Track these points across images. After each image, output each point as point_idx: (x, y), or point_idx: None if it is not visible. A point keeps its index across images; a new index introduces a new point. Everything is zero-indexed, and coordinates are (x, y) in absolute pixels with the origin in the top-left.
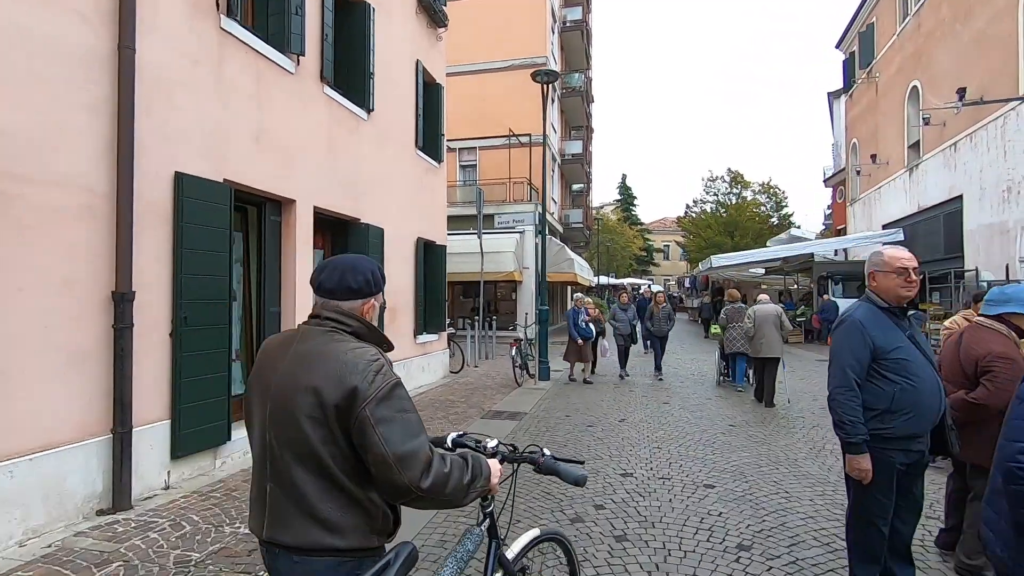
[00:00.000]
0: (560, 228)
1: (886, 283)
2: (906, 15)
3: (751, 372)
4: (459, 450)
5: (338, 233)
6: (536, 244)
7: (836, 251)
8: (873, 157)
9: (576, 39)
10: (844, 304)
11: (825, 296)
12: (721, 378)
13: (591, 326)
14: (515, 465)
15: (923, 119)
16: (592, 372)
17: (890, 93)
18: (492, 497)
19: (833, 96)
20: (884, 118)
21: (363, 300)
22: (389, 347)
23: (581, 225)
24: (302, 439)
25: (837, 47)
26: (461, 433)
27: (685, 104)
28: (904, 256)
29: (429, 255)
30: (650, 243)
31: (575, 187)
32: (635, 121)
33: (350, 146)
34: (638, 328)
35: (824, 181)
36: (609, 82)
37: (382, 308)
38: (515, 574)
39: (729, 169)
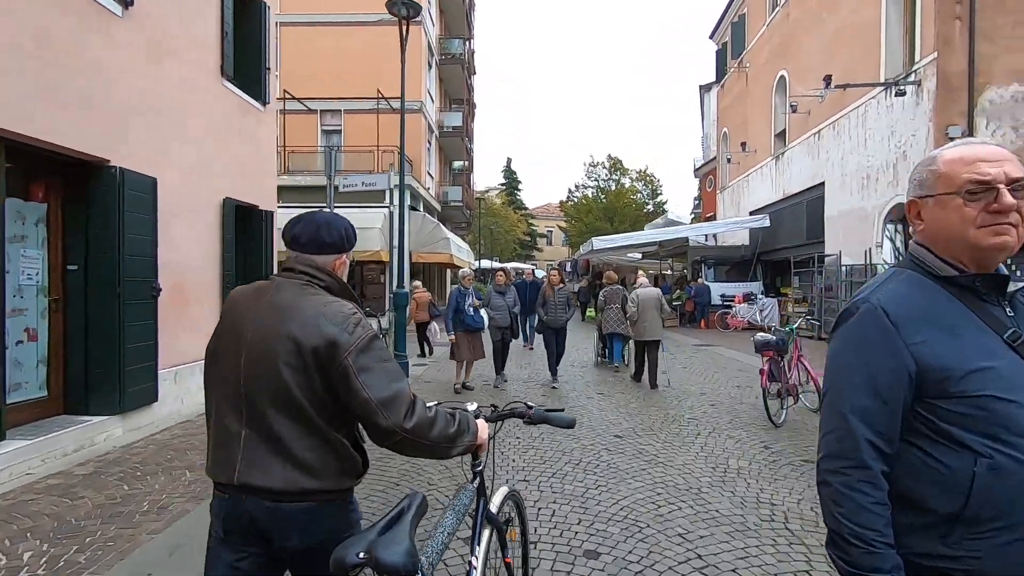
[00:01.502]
0: (438, 206)
1: (948, 221)
2: (775, 5)
3: (627, 352)
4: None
5: (74, 182)
6: (387, 213)
7: (707, 236)
8: (743, 145)
9: (456, 1)
10: (719, 288)
11: (699, 279)
12: (599, 359)
13: (482, 314)
14: (496, 424)
15: (790, 107)
16: (496, 374)
17: (759, 82)
18: (481, 456)
19: (704, 89)
20: (753, 107)
21: (336, 256)
22: (359, 304)
23: (461, 204)
24: (280, 385)
25: (711, 38)
26: (435, 403)
27: (571, 91)
28: (986, 155)
29: (246, 224)
30: (534, 228)
31: (456, 165)
32: (521, 107)
33: (90, 49)
34: (532, 319)
35: (694, 171)
36: (495, 66)
37: (352, 265)
38: (502, 526)
39: (610, 156)
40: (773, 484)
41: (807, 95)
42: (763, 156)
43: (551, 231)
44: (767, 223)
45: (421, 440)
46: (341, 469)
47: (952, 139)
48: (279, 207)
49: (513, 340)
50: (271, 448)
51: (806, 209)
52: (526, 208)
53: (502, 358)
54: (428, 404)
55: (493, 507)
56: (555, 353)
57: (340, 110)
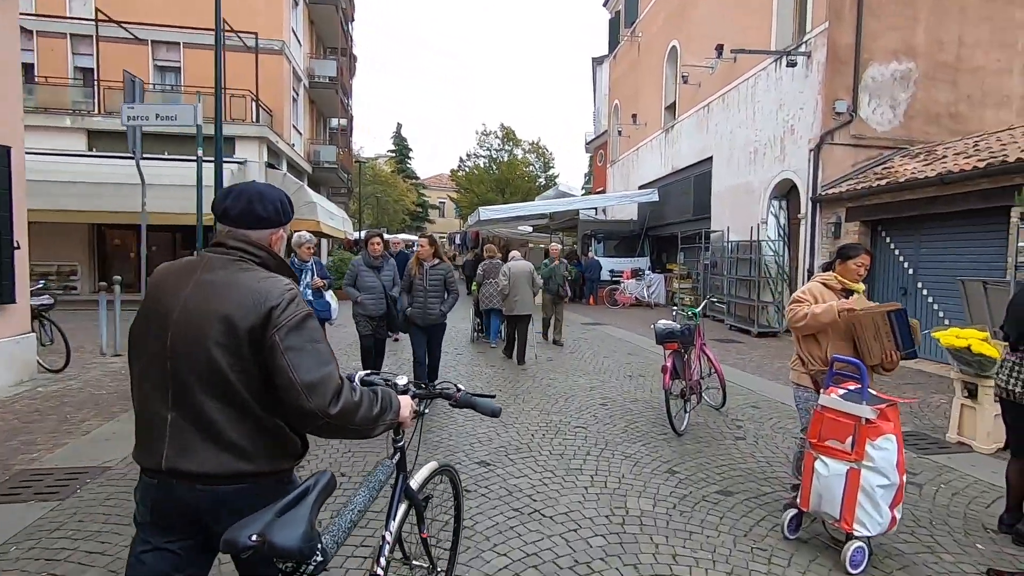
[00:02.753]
0: (308, 167)
1: None
2: None
3: (504, 329)
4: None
5: None
6: (236, 168)
7: (597, 210)
8: (634, 117)
9: None
10: (608, 264)
11: (588, 254)
12: (476, 335)
13: (328, 299)
14: (424, 402)
15: (681, 77)
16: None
17: (651, 53)
18: (403, 432)
19: (597, 62)
20: (645, 79)
21: (271, 230)
22: (298, 281)
23: (335, 166)
24: (212, 367)
25: (604, 5)
26: (369, 372)
27: (467, 58)
28: None
29: None
30: (425, 199)
31: (333, 123)
32: (413, 72)
33: None
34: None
35: (585, 146)
36: (382, 23)
37: (289, 240)
38: (420, 503)
39: (502, 125)
40: (689, 541)
41: (698, 65)
42: (653, 129)
43: (444, 203)
44: (656, 197)
45: (345, 424)
46: (278, 452)
47: (839, 114)
48: (93, 155)
49: (392, 336)
50: (201, 432)
51: (694, 184)
52: (417, 177)
53: (374, 364)
54: (357, 374)
55: (415, 483)
56: (422, 360)
57: (179, 43)
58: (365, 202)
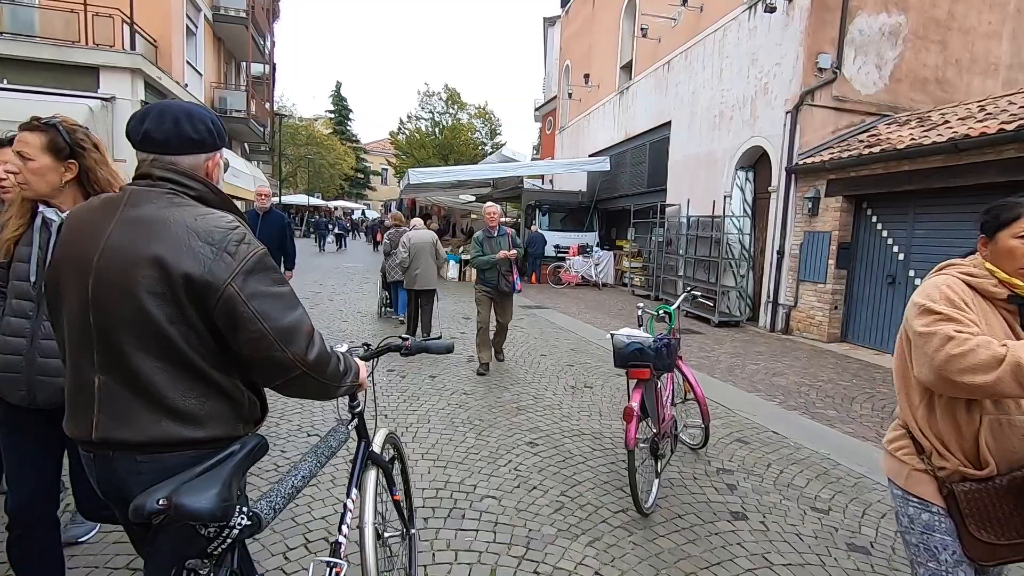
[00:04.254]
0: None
1: None
2: None
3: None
4: None
5: None
6: (100, 105)
7: (543, 179)
8: (586, 78)
9: None
10: (553, 238)
11: (532, 227)
12: (384, 309)
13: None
14: (373, 362)
15: (640, 30)
16: None
17: (607, 5)
18: (358, 397)
19: (549, 23)
20: (599, 36)
21: (207, 155)
22: (241, 215)
23: (244, 116)
24: (144, 320)
25: None
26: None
27: (412, 14)
28: None
29: None
30: (367, 164)
31: (255, 71)
32: (354, 28)
33: None
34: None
35: (534, 112)
36: None
37: (226, 167)
38: (387, 465)
39: (447, 86)
40: None
41: (659, 16)
42: (606, 91)
43: (387, 169)
44: (607, 166)
45: (318, 377)
46: (230, 414)
47: (822, 70)
48: None
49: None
50: (137, 395)
51: (649, 152)
52: (357, 141)
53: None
54: None
55: (376, 447)
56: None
57: None
58: (297, 164)
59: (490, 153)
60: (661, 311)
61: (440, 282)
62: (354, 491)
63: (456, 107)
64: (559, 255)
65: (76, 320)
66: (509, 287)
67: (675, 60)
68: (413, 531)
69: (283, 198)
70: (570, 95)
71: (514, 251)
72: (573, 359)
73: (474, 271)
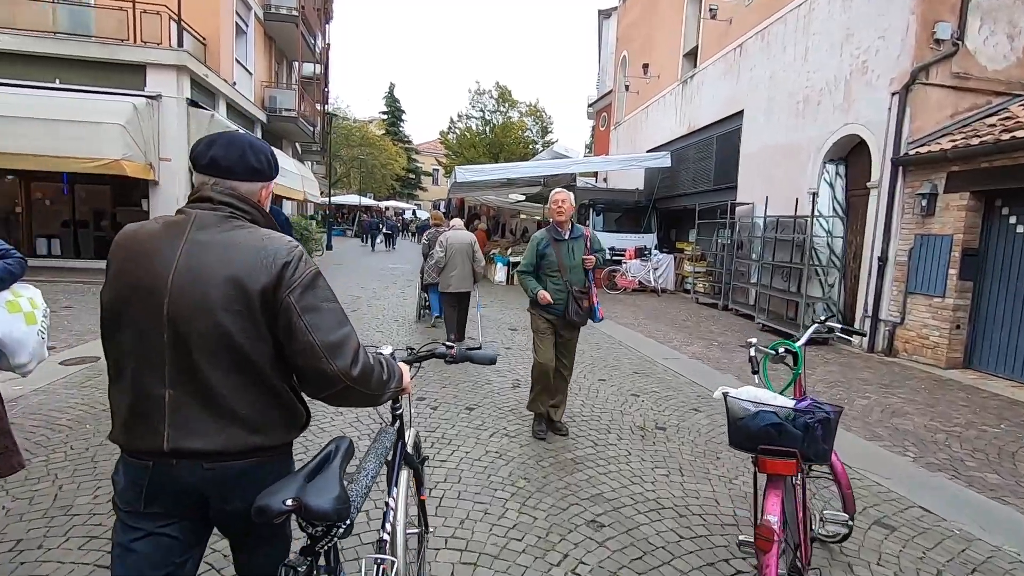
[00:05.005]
0: (261, 115)
1: None
2: None
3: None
4: None
5: None
6: (142, 104)
7: (596, 177)
8: (645, 68)
9: None
10: (608, 240)
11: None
12: (422, 312)
13: None
14: (416, 366)
15: (709, 11)
16: None
17: None
18: (400, 399)
19: (604, 15)
20: (660, 22)
21: (263, 184)
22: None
23: (294, 115)
24: (220, 335)
25: None
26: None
27: (462, 15)
28: None
29: None
30: (418, 165)
31: (306, 71)
32: (409, 31)
33: None
34: None
35: (587, 108)
36: None
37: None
38: (418, 467)
39: (498, 84)
40: None
41: None
42: (668, 82)
43: (437, 170)
44: (668, 162)
45: (363, 388)
46: (287, 422)
47: (939, 42)
48: None
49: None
50: (207, 406)
51: (716, 146)
52: (409, 141)
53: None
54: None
55: (408, 449)
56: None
57: None
58: (350, 164)
59: (542, 151)
60: (781, 348)
61: (487, 286)
62: (394, 490)
63: (507, 105)
64: (614, 258)
65: (146, 337)
66: (583, 316)
67: (749, 42)
68: (429, 532)
69: (335, 198)
70: (627, 88)
71: (592, 257)
72: (637, 385)
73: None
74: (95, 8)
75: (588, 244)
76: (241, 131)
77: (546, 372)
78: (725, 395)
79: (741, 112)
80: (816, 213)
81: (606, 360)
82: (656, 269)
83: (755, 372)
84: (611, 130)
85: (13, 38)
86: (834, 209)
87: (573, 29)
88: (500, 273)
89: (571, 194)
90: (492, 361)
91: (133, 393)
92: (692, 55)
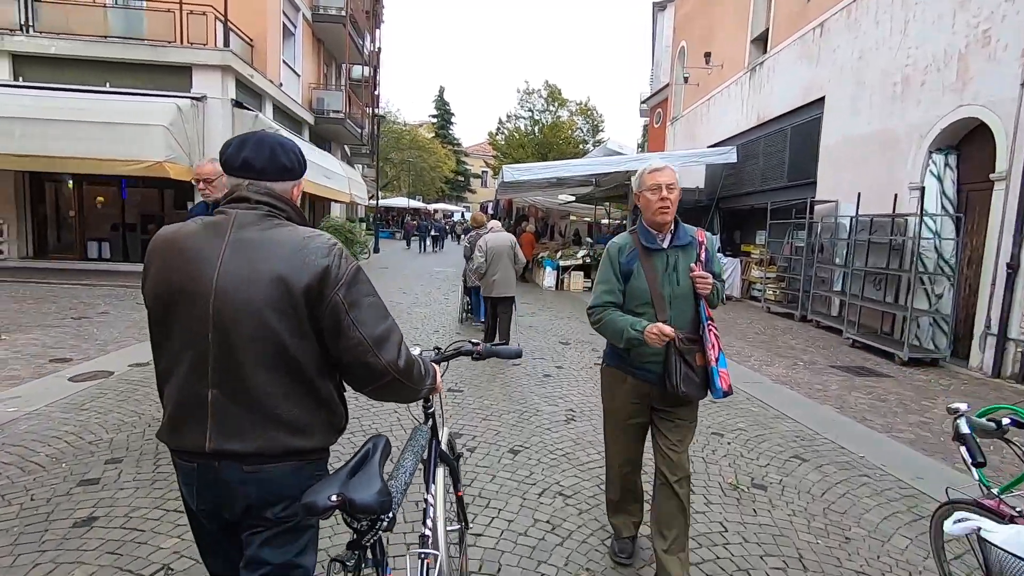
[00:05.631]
0: (309, 117)
1: None
2: None
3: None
4: None
5: None
6: (187, 105)
7: None
8: (707, 56)
9: None
10: None
11: None
12: (465, 315)
13: None
14: (444, 365)
15: None
16: None
17: None
18: (432, 398)
19: (659, 8)
20: (723, 8)
21: (294, 182)
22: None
23: (341, 116)
24: (267, 335)
25: None
26: None
27: (512, 15)
28: None
29: None
30: (467, 167)
31: (355, 73)
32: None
33: None
34: None
35: (642, 103)
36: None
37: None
38: (453, 462)
39: (547, 83)
40: None
41: None
42: (732, 71)
43: (486, 172)
44: (734, 157)
45: (406, 382)
46: (328, 424)
47: None
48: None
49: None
50: (250, 408)
51: (791, 138)
52: (459, 144)
53: None
54: None
55: (443, 446)
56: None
57: None
58: (400, 167)
59: (592, 151)
60: (1005, 419)
61: (534, 292)
62: (432, 486)
63: (556, 104)
64: None
65: (191, 339)
66: (695, 384)
67: (831, 21)
68: (469, 528)
69: (385, 201)
70: (686, 80)
71: (707, 278)
72: (718, 420)
73: (573, 280)
74: (146, 11)
75: (703, 257)
76: (277, 130)
77: (629, 474)
78: (982, 540)
79: (821, 99)
80: (922, 211)
81: None
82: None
83: (963, 445)
84: (667, 126)
85: (68, 43)
86: (942, 206)
87: (625, 24)
88: (549, 278)
89: (676, 171)
90: (518, 355)
91: (179, 393)
92: (761, 40)
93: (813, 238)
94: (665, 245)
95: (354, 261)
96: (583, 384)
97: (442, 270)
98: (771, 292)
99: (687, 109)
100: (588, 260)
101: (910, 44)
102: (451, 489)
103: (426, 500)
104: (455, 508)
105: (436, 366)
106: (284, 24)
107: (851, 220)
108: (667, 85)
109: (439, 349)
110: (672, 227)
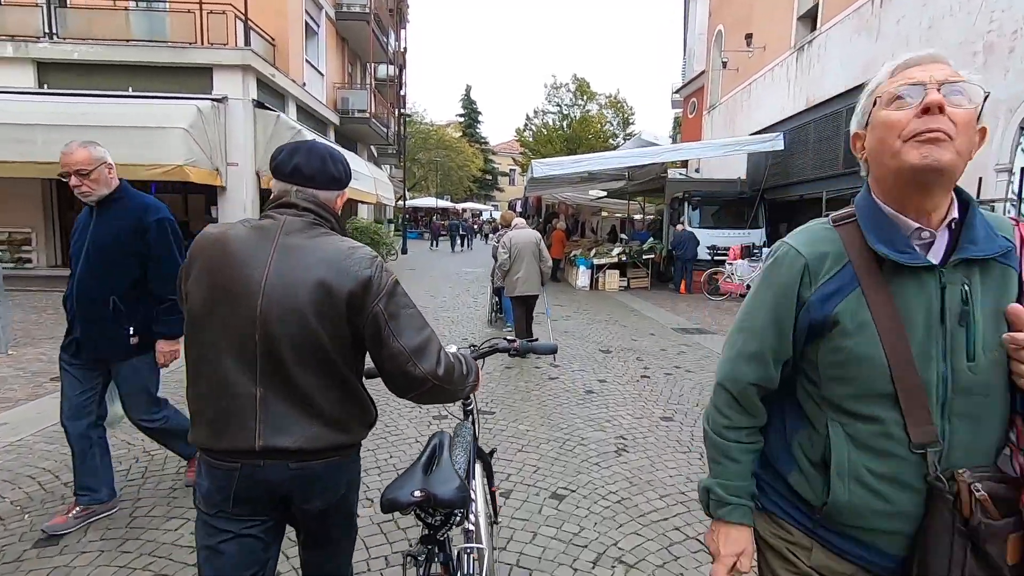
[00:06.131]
0: (334, 118)
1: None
2: None
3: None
4: None
5: None
6: (208, 107)
7: (687, 168)
8: (748, 38)
9: None
10: (706, 238)
11: (679, 225)
12: (493, 315)
13: None
14: (481, 362)
15: None
16: None
17: None
18: (472, 396)
19: None
20: None
21: (339, 192)
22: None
23: (366, 116)
24: (310, 336)
25: None
26: None
27: (538, 8)
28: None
29: None
30: (495, 165)
31: (380, 72)
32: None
33: None
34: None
35: (673, 96)
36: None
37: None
38: (487, 459)
39: (575, 76)
40: None
41: None
42: (777, 52)
43: (514, 170)
44: (781, 144)
45: (447, 386)
46: (362, 419)
47: None
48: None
49: None
50: (295, 406)
51: (846, 122)
52: (486, 143)
53: None
54: None
55: (478, 442)
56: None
57: None
58: (427, 167)
59: (623, 145)
60: None
61: (568, 293)
62: (472, 482)
63: (585, 98)
64: (716, 258)
65: (237, 338)
66: None
67: None
68: (498, 523)
69: (413, 201)
70: (724, 64)
71: None
72: None
73: (609, 279)
74: (168, 12)
75: None
76: (314, 136)
77: None
78: None
79: None
80: (1010, 198)
81: None
82: None
83: None
84: (703, 115)
85: (90, 48)
86: None
87: (655, 13)
88: (583, 277)
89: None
90: (554, 350)
91: (221, 393)
92: (809, 17)
93: None
94: (935, 257)
95: (392, 274)
96: (631, 402)
97: (471, 271)
98: None
99: (725, 96)
100: (624, 258)
101: (994, 7)
102: (485, 485)
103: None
104: (490, 503)
105: (477, 363)
106: (307, 22)
107: None
108: (702, 72)
109: (474, 347)
110: (955, 211)
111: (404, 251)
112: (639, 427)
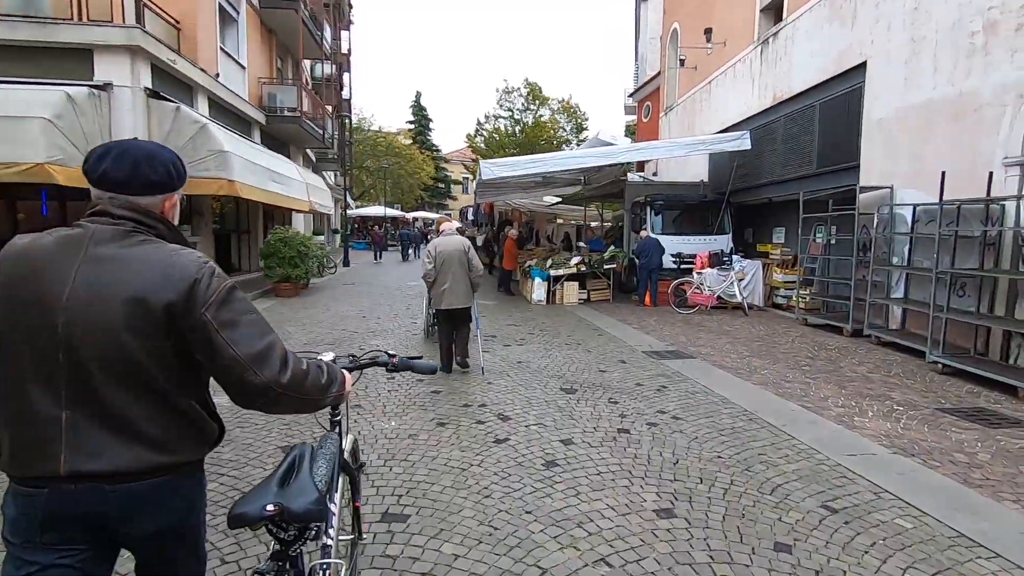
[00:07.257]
0: (259, 116)
1: None
2: None
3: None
4: None
5: None
6: (84, 95)
7: (644, 171)
8: (707, 33)
9: None
10: (671, 244)
11: (643, 231)
12: (431, 328)
13: None
14: (358, 373)
15: None
16: None
17: None
18: (340, 406)
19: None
20: None
21: (164, 196)
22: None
23: (296, 115)
24: (123, 354)
25: None
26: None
27: (487, 15)
28: None
29: None
30: (447, 173)
31: (316, 72)
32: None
33: None
34: None
35: (628, 96)
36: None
37: (181, 204)
38: (354, 472)
39: (527, 80)
40: None
41: None
42: (738, 47)
43: (467, 178)
44: (748, 144)
45: (295, 394)
46: (196, 439)
47: None
48: None
49: None
50: (108, 427)
51: (820, 117)
52: (438, 150)
53: None
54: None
55: (345, 455)
56: None
57: None
58: (376, 175)
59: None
60: None
61: (522, 309)
62: (335, 495)
63: (537, 103)
64: (682, 267)
65: (37, 358)
66: None
67: None
68: (363, 539)
69: (361, 210)
70: (682, 63)
71: None
72: (834, 534)
73: (567, 292)
74: None
75: None
76: (205, 125)
77: None
78: None
79: (861, 66)
80: (1022, 194)
81: (734, 455)
82: (743, 280)
83: None
84: (660, 117)
85: None
86: None
87: (606, 18)
88: (539, 290)
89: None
90: (433, 371)
91: (24, 417)
92: (773, 8)
93: (862, 233)
94: None
95: (227, 280)
96: (611, 482)
97: (417, 283)
98: (802, 299)
99: (683, 96)
100: (583, 268)
101: None
102: (348, 499)
103: (328, 509)
104: (352, 519)
105: (347, 373)
106: (221, 5)
107: (913, 209)
108: (658, 74)
109: (354, 357)
110: None
111: (347, 263)
112: (627, 532)
